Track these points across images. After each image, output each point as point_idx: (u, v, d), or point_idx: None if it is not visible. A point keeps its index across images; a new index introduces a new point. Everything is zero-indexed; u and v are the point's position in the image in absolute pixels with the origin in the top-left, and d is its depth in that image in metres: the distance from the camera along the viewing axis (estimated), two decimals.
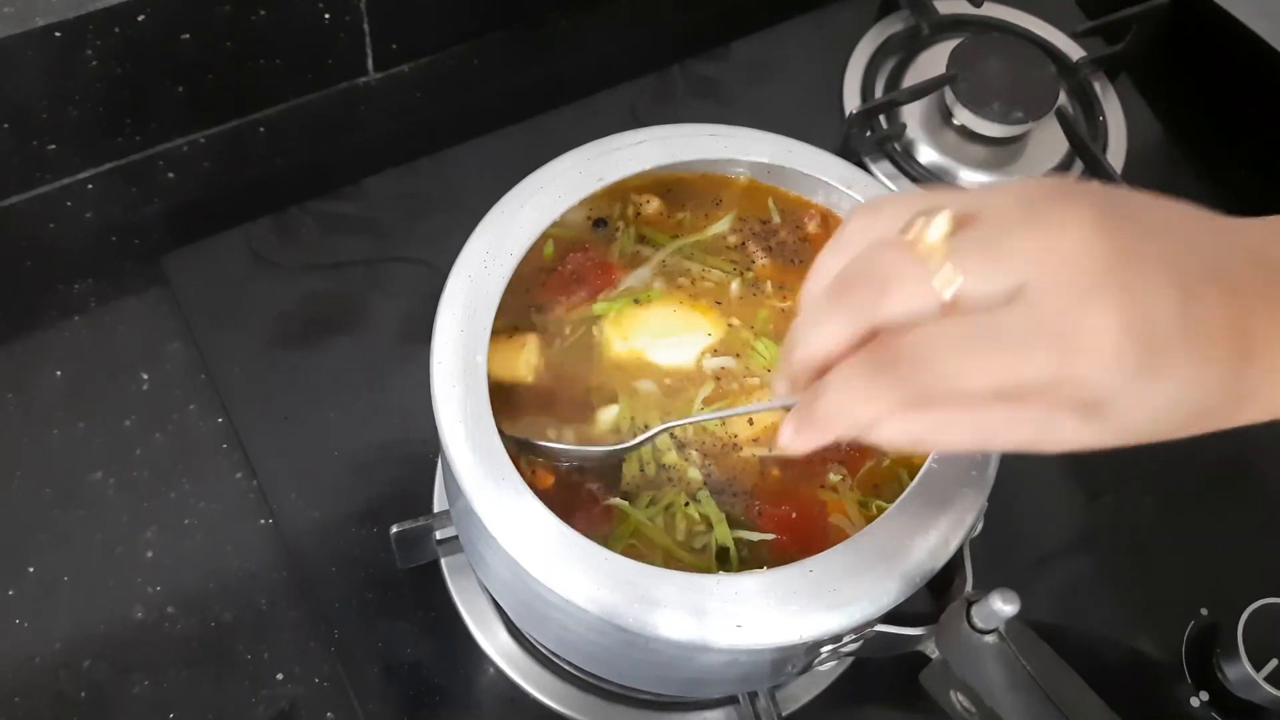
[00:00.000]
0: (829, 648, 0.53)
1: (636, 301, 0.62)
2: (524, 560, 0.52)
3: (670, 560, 0.55)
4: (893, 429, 0.39)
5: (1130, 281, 0.35)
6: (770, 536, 0.55)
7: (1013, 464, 0.78)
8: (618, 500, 0.56)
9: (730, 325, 0.62)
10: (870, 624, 0.52)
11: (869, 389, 0.38)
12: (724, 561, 0.55)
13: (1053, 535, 0.79)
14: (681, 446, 0.58)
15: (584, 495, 0.56)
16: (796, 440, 0.41)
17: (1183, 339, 0.36)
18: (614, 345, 0.61)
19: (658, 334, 0.61)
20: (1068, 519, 0.79)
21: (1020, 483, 0.79)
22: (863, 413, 0.38)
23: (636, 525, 0.55)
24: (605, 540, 0.54)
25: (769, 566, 0.53)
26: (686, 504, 0.56)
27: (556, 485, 0.56)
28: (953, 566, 0.54)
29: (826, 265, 0.41)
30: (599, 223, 0.63)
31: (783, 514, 0.56)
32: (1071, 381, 0.36)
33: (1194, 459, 0.82)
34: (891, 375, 0.37)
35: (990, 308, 0.36)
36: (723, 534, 0.55)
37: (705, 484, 0.57)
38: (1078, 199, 0.37)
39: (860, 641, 0.54)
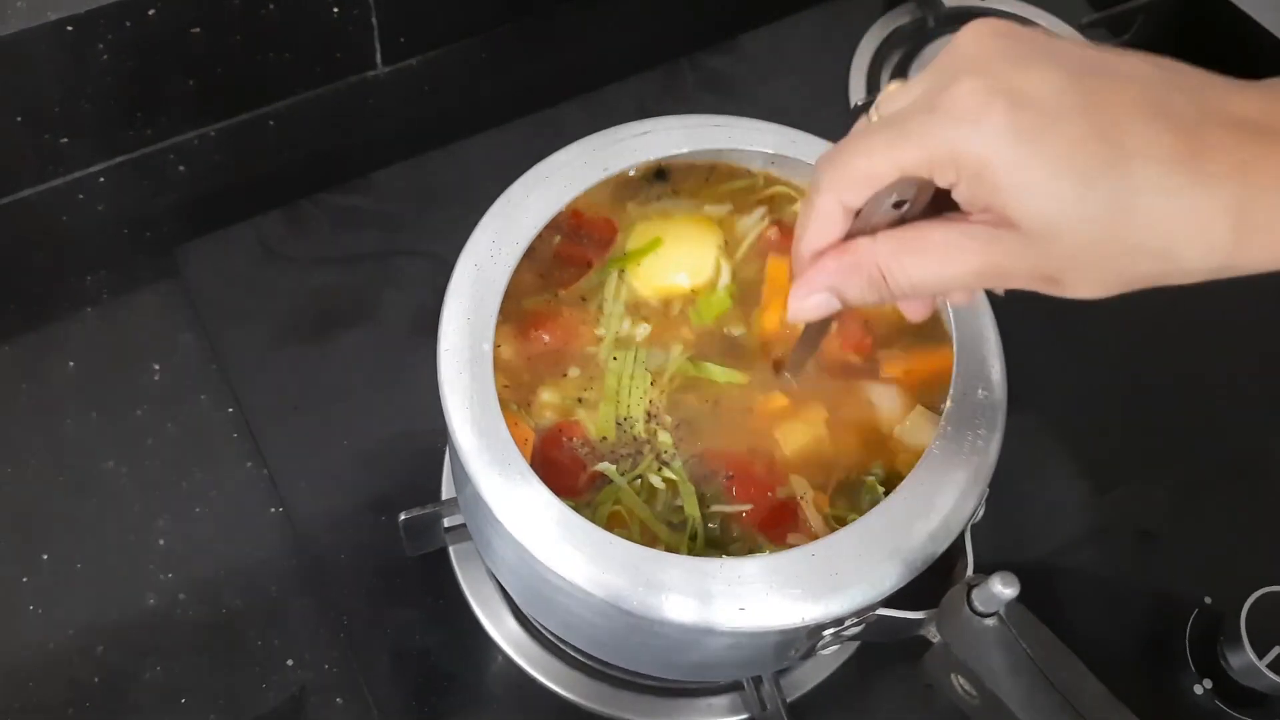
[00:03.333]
0: (831, 631, 0.53)
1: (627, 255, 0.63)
2: (531, 545, 0.53)
3: (645, 533, 0.56)
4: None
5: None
6: (747, 507, 0.56)
7: (1020, 454, 0.79)
8: (604, 465, 0.57)
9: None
10: (871, 608, 0.53)
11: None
12: (695, 538, 0.56)
13: (1058, 525, 0.79)
14: (651, 416, 0.59)
15: (571, 460, 0.57)
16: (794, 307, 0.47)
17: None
18: (638, 292, 0.63)
19: (674, 264, 0.63)
20: (1073, 509, 0.80)
21: (1027, 473, 0.79)
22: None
23: (619, 492, 0.56)
24: (591, 506, 0.55)
25: (740, 541, 0.55)
26: (660, 469, 0.57)
27: (545, 449, 0.57)
28: (954, 552, 0.55)
29: None
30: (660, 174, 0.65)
31: (757, 490, 0.57)
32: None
33: (1203, 452, 0.82)
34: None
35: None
36: (691, 507, 0.56)
37: (677, 454, 0.58)
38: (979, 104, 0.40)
39: (862, 625, 0.54)
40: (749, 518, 0.56)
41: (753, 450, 0.58)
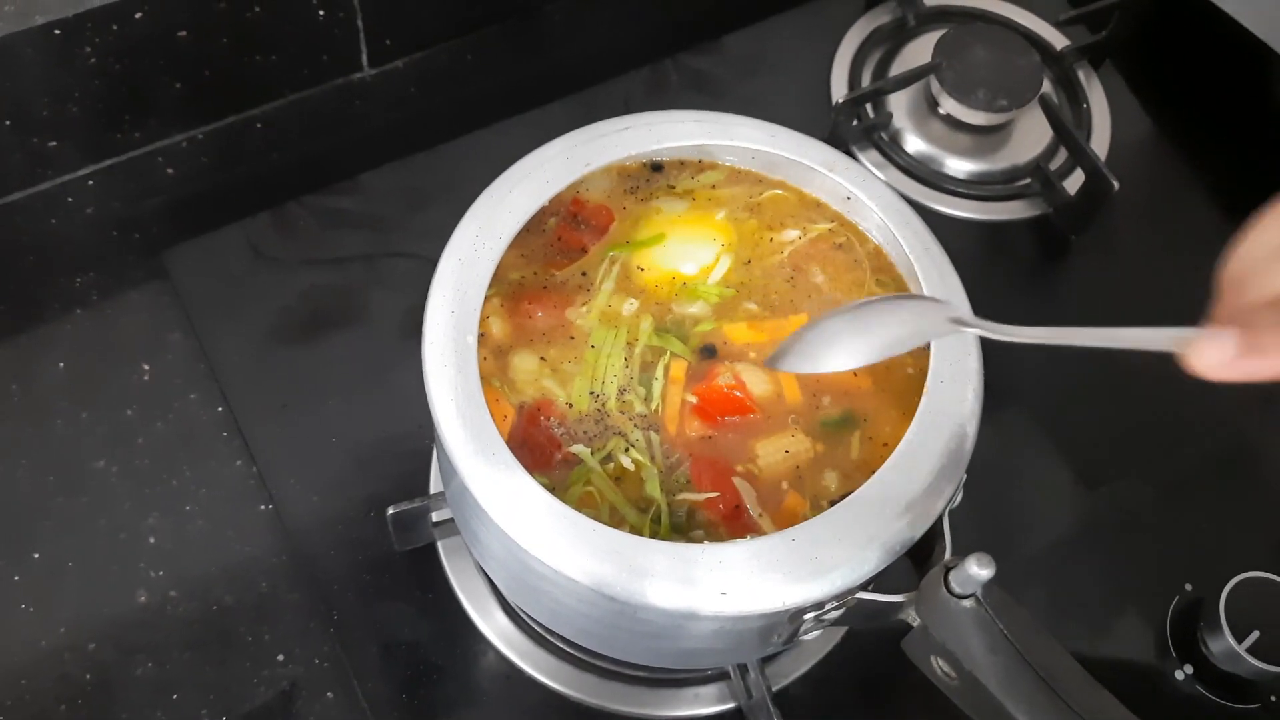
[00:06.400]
0: (812, 615, 0.54)
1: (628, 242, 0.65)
2: (517, 535, 0.53)
3: (614, 514, 0.57)
4: None
5: None
6: (714, 494, 0.57)
7: (1002, 447, 0.80)
8: (578, 448, 0.58)
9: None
10: (851, 591, 0.53)
11: None
12: (659, 521, 0.57)
13: (1038, 517, 0.80)
14: (621, 393, 0.60)
15: (547, 439, 0.58)
16: (1239, 366, 0.44)
17: None
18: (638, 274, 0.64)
19: (674, 255, 0.64)
20: (1053, 502, 0.81)
21: (1009, 466, 0.80)
22: None
23: (591, 474, 0.57)
24: (562, 485, 0.56)
25: (706, 529, 0.55)
26: (626, 450, 0.58)
27: (523, 428, 0.58)
28: (932, 537, 0.56)
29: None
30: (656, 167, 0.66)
31: (722, 478, 0.58)
32: None
33: (1183, 445, 0.83)
34: None
35: None
36: (653, 488, 0.57)
37: (645, 438, 0.59)
38: None
39: (843, 609, 0.55)
40: (710, 506, 0.57)
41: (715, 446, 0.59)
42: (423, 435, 0.78)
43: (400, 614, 0.73)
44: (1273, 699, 0.73)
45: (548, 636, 0.72)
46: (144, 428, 0.78)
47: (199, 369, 0.80)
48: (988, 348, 0.60)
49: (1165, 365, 0.84)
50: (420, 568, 0.74)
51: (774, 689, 0.70)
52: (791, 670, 0.72)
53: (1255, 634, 0.71)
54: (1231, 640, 0.71)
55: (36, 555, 0.73)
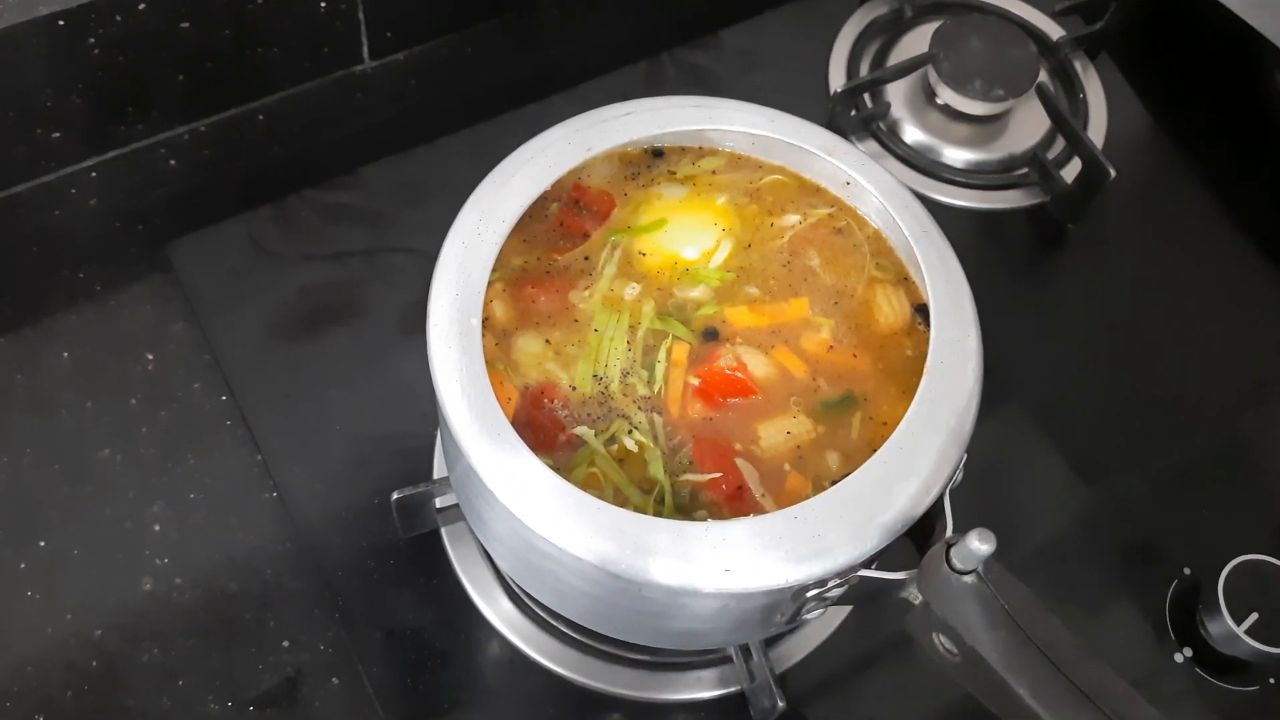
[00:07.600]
0: (814, 592, 0.55)
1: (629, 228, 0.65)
2: (522, 513, 0.54)
3: (619, 495, 0.57)
4: None
5: None
6: (716, 475, 0.57)
7: (1004, 436, 0.80)
8: (582, 429, 0.58)
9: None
10: (853, 569, 0.54)
11: None
12: (663, 501, 0.57)
13: (1039, 505, 0.80)
14: (625, 376, 0.60)
15: (550, 421, 0.58)
16: None
17: None
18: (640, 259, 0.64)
19: (675, 240, 0.65)
20: (1054, 490, 0.81)
21: (1011, 454, 0.81)
22: None
23: (595, 455, 0.58)
24: (566, 467, 0.57)
25: (709, 509, 0.56)
26: (630, 431, 0.58)
27: (527, 410, 0.59)
28: (933, 517, 0.56)
29: None
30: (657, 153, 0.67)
31: (724, 458, 0.58)
32: None
33: (1182, 434, 0.84)
34: None
35: None
36: (656, 470, 0.57)
37: (649, 420, 0.59)
38: None
39: (845, 587, 0.55)
40: (713, 486, 0.58)
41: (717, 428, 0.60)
42: (424, 426, 0.78)
43: (404, 600, 0.73)
44: (1271, 680, 0.74)
45: (552, 621, 0.72)
46: (148, 417, 0.78)
47: (202, 359, 0.80)
48: (989, 337, 0.60)
49: (1164, 355, 0.86)
50: (424, 554, 0.75)
51: (777, 672, 0.70)
52: (794, 653, 0.72)
53: (1254, 616, 0.71)
54: (1230, 622, 0.71)
55: (42, 544, 0.74)
